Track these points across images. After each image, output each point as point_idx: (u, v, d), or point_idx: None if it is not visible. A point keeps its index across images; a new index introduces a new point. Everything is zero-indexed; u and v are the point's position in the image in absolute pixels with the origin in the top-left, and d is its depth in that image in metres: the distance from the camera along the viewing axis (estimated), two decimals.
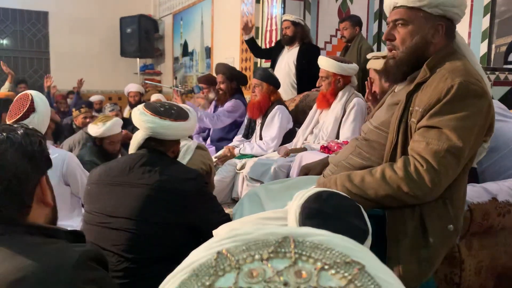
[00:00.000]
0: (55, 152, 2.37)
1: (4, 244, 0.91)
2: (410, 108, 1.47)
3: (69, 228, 2.18)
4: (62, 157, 2.35)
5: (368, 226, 1.20)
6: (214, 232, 1.59)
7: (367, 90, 2.46)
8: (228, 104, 3.92)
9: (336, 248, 0.41)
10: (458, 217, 1.52)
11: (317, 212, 1.16)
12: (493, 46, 4.05)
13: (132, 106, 5.65)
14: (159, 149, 1.83)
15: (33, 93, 2.23)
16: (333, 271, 0.39)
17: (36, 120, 2.18)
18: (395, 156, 1.50)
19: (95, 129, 3.11)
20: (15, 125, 1.05)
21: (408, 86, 1.54)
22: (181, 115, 1.86)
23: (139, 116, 1.80)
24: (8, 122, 2.20)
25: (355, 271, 0.39)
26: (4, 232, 0.94)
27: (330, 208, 1.19)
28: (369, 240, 1.17)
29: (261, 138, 3.45)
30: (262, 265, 0.40)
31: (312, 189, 1.24)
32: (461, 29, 4.24)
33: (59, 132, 2.55)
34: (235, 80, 4.00)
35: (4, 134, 0.99)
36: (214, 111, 4.12)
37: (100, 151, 3.12)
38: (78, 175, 2.36)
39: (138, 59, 8.26)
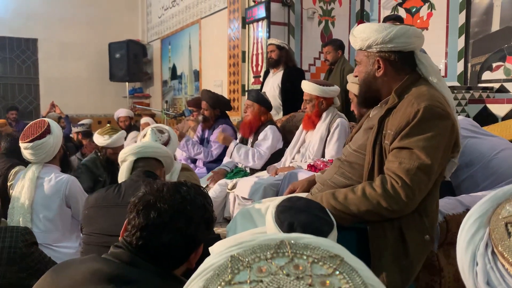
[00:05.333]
0: (61, 175, 2.50)
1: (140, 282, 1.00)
2: (383, 132, 1.61)
3: (67, 249, 2.30)
4: (66, 180, 2.47)
5: (332, 220, 1.37)
6: (210, 249, 1.71)
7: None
8: (215, 135, 4.07)
9: (321, 247, 0.54)
10: (433, 227, 1.66)
11: (289, 208, 1.34)
12: (469, 65, 4.23)
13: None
14: (147, 169, 2.07)
15: (49, 120, 2.52)
16: (321, 263, 0.52)
17: (51, 141, 2.44)
18: (373, 175, 1.63)
19: (100, 139, 3.27)
20: (195, 189, 1.17)
21: (380, 111, 1.69)
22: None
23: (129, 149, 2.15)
24: (21, 143, 2.39)
25: (338, 262, 0.52)
26: (147, 273, 1.04)
27: (301, 205, 1.37)
28: (335, 231, 1.34)
29: None
30: (267, 263, 0.51)
31: (284, 196, 1.43)
32: (439, 49, 4.45)
33: (66, 161, 2.70)
34: (218, 108, 4.24)
35: (201, 201, 1.11)
36: (201, 133, 4.33)
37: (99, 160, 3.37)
38: (79, 198, 2.47)
39: (127, 83, 8.36)
